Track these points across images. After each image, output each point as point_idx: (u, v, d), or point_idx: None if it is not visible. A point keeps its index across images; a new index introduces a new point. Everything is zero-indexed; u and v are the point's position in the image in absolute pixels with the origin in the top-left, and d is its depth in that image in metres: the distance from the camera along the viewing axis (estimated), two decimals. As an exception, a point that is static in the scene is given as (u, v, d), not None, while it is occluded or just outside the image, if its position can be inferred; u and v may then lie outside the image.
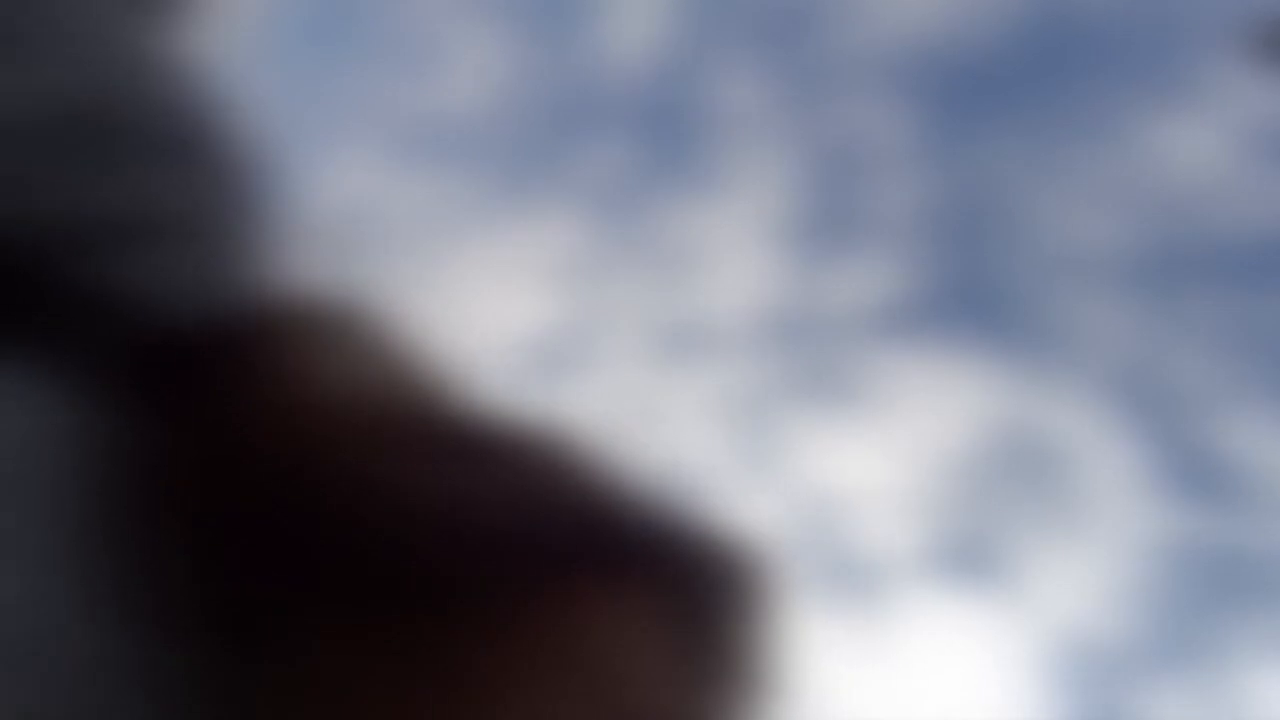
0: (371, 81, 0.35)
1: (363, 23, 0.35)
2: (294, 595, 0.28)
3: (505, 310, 0.32)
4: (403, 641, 0.28)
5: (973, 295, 0.33)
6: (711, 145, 0.34)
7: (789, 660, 0.30)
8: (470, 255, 0.33)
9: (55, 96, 0.29)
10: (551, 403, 0.31)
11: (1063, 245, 0.33)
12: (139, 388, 0.29)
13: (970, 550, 0.32)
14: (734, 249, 0.34)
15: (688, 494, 0.31)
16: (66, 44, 0.30)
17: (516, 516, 0.29)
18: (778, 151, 0.34)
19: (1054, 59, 0.35)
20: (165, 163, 0.30)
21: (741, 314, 0.33)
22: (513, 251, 0.33)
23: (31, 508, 0.27)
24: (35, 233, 0.29)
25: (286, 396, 0.29)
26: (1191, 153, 0.34)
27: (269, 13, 0.34)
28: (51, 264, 0.29)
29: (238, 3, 0.34)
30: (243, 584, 0.28)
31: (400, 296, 0.32)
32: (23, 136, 0.29)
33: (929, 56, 0.35)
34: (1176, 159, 0.34)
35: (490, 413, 0.30)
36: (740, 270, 0.34)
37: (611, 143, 0.34)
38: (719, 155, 0.34)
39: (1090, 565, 0.32)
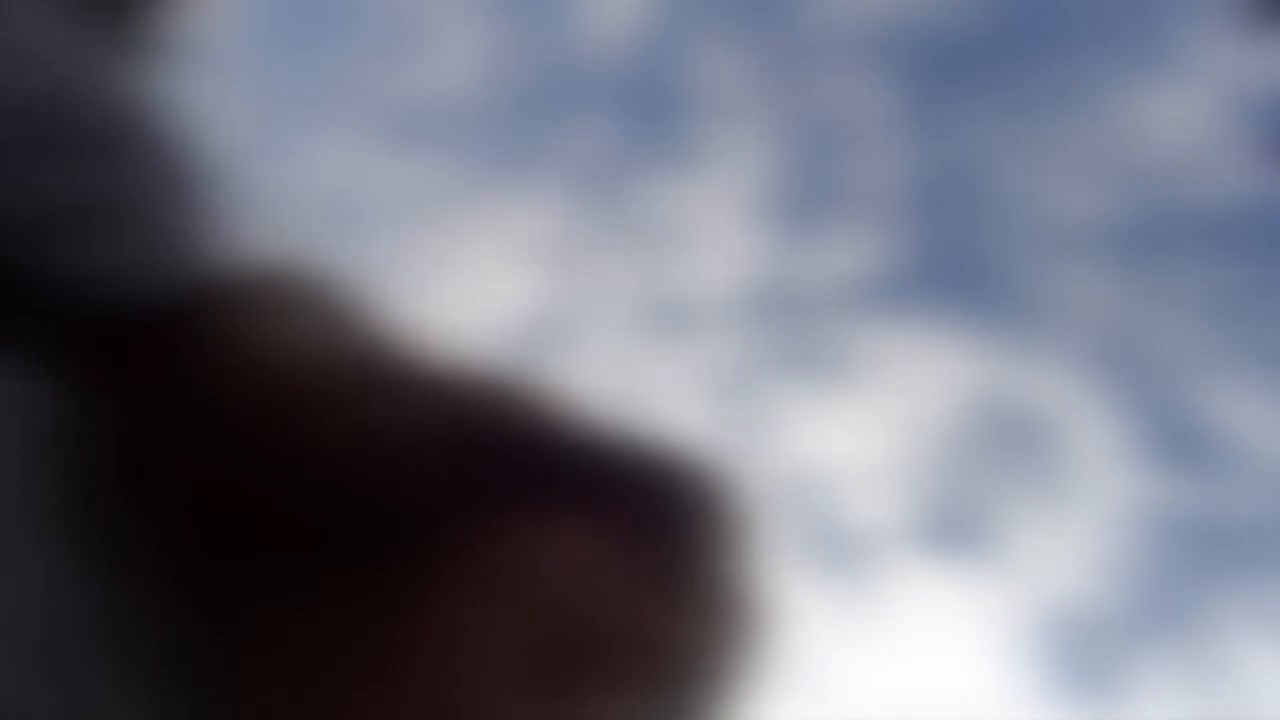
0: (353, 64, 0.35)
1: (344, 5, 0.35)
2: (264, 560, 0.28)
3: (489, 290, 0.33)
4: (373, 603, 0.28)
5: (956, 268, 0.33)
6: (694, 122, 0.35)
7: (759, 593, 0.30)
8: (453, 235, 0.33)
9: (6, 86, 0.29)
10: (535, 376, 0.31)
11: (1045, 217, 0.33)
12: (98, 366, 0.29)
13: (955, 521, 0.32)
14: (717, 225, 0.34)
15: (649, 433, 0.31)
16: (20, 30, 0.30)
17: (468, 455, 0.29)
18: (760, 127, 0.34)
19: (1034, 30, 0.35)
20: (124, 149, 0.30)
21: (725, 289, 0.33)
22: (496, 232, 0.33)
23: None
24: None
25: (250, 368, 0.29)
26: (1172, 122, 0.34)
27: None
28: (8, 250, 0.29)
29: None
30: (211, 552, 0.28)
31: (377, 274, 0.32)
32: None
33: (909, 29, 0.35)
34: (1157, 129, 0.34)
35: (461, 371, 0.30)
36: (723, 246, 0.34)
37: (593, 122, 0.35)
38: (701, 132, 0.34)
39: (1074, 535, 0.32)
